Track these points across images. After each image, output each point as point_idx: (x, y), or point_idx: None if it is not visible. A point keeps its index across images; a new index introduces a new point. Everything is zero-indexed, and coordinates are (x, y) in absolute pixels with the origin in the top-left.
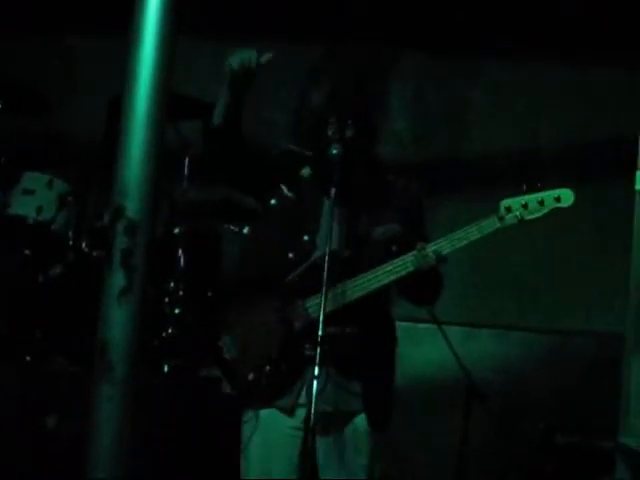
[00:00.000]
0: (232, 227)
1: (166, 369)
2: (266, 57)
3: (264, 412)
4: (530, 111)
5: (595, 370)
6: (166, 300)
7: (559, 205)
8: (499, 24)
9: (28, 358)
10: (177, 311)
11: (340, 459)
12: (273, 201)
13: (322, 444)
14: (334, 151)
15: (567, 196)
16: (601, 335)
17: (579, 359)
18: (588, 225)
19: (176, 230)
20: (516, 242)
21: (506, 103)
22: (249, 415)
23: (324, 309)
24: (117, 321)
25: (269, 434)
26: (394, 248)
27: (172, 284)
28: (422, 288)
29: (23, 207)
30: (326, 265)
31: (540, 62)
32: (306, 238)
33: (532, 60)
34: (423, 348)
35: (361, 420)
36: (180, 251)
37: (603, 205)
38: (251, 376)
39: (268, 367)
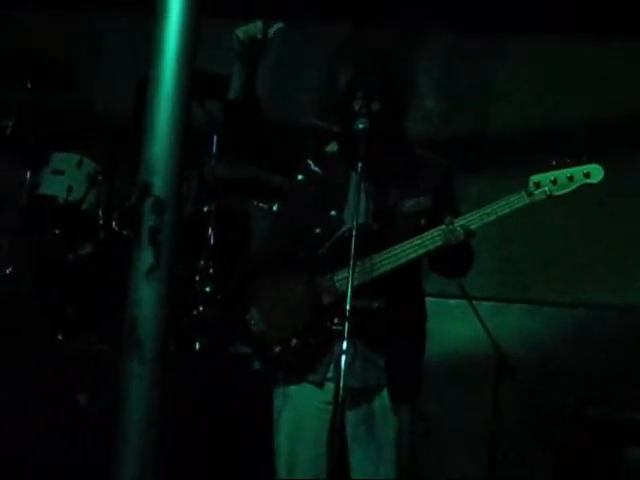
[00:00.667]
0: (261, 204)
1: (197, 346)
2: (275, 28)
3: (294, 388)
4: (557, 87)
5: (625, 344)
6: (197, 278)
7: (588, 181)
8: (524, 1)
9: (60, 337)
10: (208, 289)
11: (369, 433)
12: (300, 176)
13: (351, 417)
14: (360, 125)
15: (596, 172)
16: (631, 309)
17: (609, 333)
18: (616, 199)
19: (205, 208)
20: (546, 217)
21: (532, 79)
22: (278, 390)
23: (352, 283)
24: (146, 298)
25: (298, 408)
26: (423, 222)
27: (202, 262)
28: (452, 261)
29: (53, 187)
30: (353, 239)
31: (566, 38)
32: (333, 213)
33: (557, 35)
34: (454, 323)
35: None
36: (210, 229)
37: (633, 179)
38: (278, 349)
39: (295, 340)
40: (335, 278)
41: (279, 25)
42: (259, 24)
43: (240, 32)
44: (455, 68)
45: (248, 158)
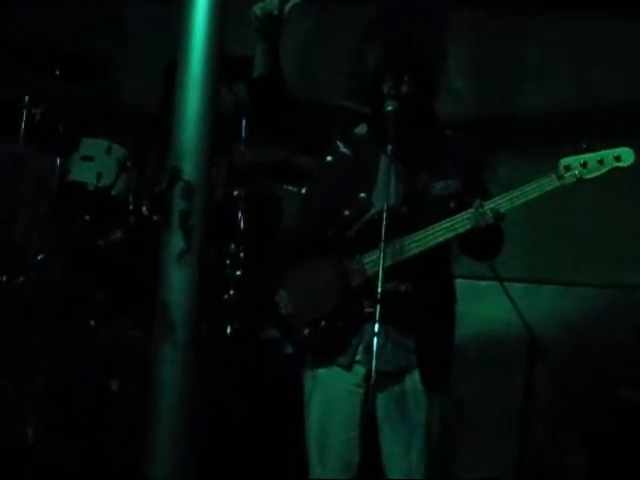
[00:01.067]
0: (291, 188)
1: (229, 331)
2: (292, 3)
3: (322, 371)
4: (587, 66)
5: None
6: (227, 262)
7: (619, 164)
8: None
9: (92, 322)
10: (238, 273)
11: (401, 414)
12: (329, 158)
13: (382, 398)
14: (390, 107)
15: (627, 155)
16: None
17: None
18: None
19: (235, 192)
20: (576, 200)
21: (563, 59)
22: (307, 373)
23: (382, 266)
24: (177, 283)
25: (327, 391)
26: (452, 204)
27: (233, 246)
28: (482, 244)
29: (83, 173)
30: (384, 221)
31: (595, 15)
32: (362, 195)
33: (587, 13)
34: (485, 305)
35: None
36: (240, 213)
37: None
38: (306, 331)
39: (323, 322)
40: (364, 260)
41: (296, 0)
42: (275, 0)
43: (257, 8)
44: (485, 48)
45: (276, 138)
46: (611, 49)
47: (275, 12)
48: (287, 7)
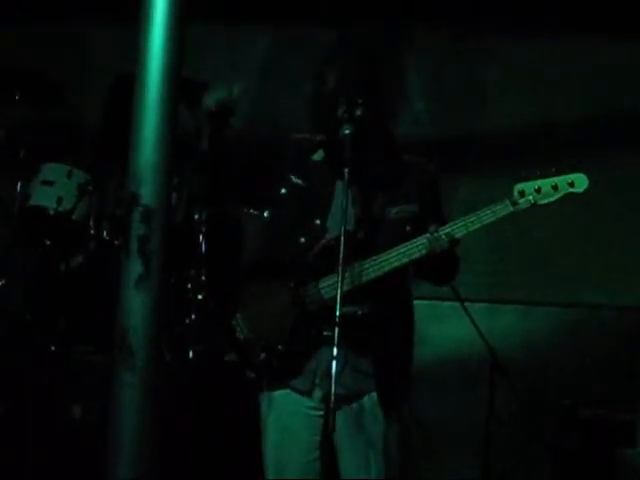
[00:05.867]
0: (253, 211)
1: (191, 355)
2: (239, 89)
3: (278, 394)
4: (547, 88)
5: (618, 344)
6: (189, 286)
7: (572, 190)
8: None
9: (53, 348)
10: (200, 297)
11: (358, 427)
12: (283, 190)
13: (339, 416)
14: (346, 131)
15: (581, 181)
16: (625, 309)
17: (603, 333)
18: (609, 199)
19: (196, 216)
20: (538, 217)
21: (523, 81)
22: (263, 396)
23: (341, 289)
24: (136, 308)
25: (284, 415)
26: (408, 228)
27: (194, 270)
28: (437, 269)
29: (43, 198)
30: (342, 246)
31: (557, 38)
32: (318, 222)
33: (549, 37)
34: (448, 325)
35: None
36: (201, 237)
37: (625, 178)
38: (263, 356)
39: (280, 347)
40: (320, 286)
41: (241, 86)
42: (224, 90)
43: (210, 102)
44: (445, 70)
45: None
46: (572, 73)
47: (228, 103)
48: (236, 94)
